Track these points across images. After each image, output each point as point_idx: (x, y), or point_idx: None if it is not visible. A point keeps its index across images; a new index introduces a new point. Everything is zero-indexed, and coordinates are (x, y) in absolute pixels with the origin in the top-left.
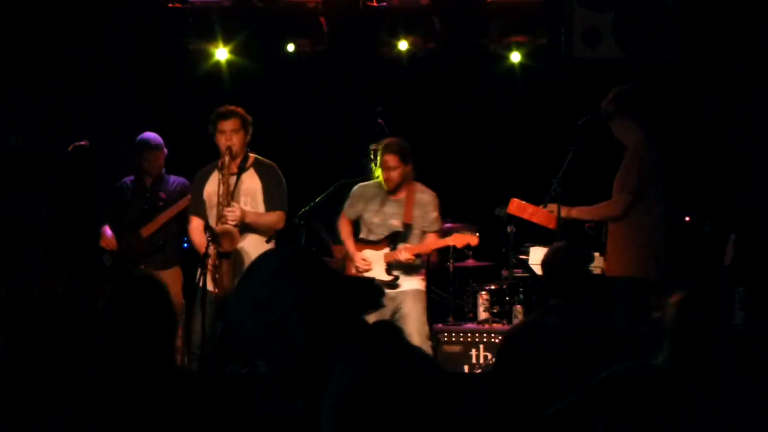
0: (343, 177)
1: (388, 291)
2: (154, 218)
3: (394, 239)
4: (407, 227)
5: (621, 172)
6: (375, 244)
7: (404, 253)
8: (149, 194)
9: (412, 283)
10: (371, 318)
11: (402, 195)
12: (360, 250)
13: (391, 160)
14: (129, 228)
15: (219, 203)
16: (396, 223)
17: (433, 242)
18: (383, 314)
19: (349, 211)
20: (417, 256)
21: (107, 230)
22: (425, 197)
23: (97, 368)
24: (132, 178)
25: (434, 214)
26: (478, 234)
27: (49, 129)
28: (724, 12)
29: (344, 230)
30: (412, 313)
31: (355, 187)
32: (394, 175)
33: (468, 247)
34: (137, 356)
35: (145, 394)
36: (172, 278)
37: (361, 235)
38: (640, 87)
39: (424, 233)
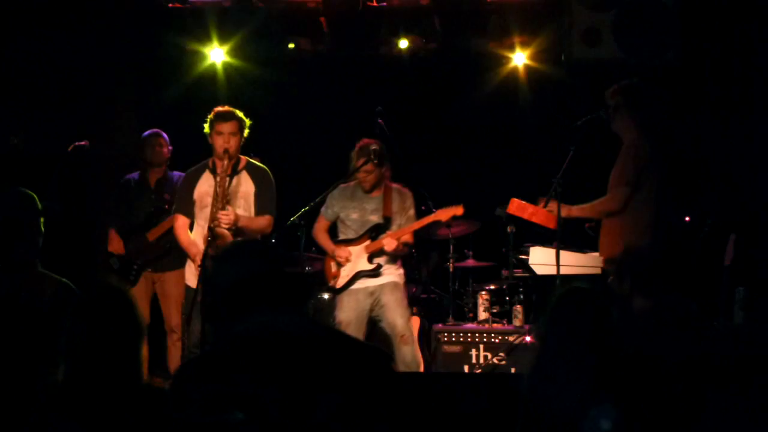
0: (343, 177)
1: (367, 285)
2: (160, 222)
3: (374, 231)
4: (387, 220)
5: (617, 166)
6: (354, 241)
7: (389, 239)
8: (154, 196)
9: (389, 277)
10: (350, 320)
11: (379, 193)
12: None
13: (369, 165)
14: (135, 230)
15: (214, 205)
16: (375, 218)
17: (417, 222)
18: (362, 309)
19: (327, 212)
20: (405, 245)
21: (114, 234)
22: (402, 194)
23: (66, 378)
24: (136, 175)
25: (411, 211)
26: (462, 205)
27: (49, 129)
28: (724, 12)
29: (320, 230)
30: (391, 300)
31: (334, 189)
32: (371, 177)
33: (468, 237)
34: (101, 367)
35: (109, 405)
36: (177, 279)
37: (340, 237)
38: (646, 86)
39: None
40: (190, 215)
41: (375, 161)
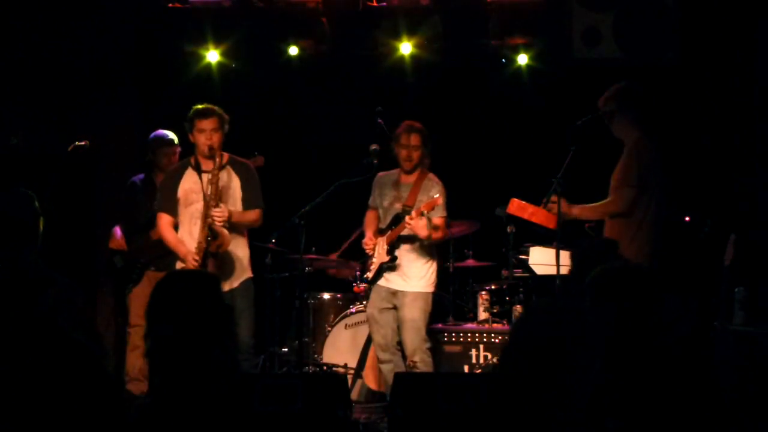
0: (343, 177)
1: (390, 285)
2: None
3: (395, 221)
4: (406, 209)
5: (620, 168)
6: (384, 231)
7: (390, 234)
8: None
9: (413, 284)
10: (374, 315)
11: (412, 180)
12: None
13: (415, 139)
14: (139, 229)
15: (207, 204)
16: (399, 206)
17: (400, 227)
18: (385, 306)
19: (371, 200)
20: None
21: (117, 231)
22: (432, 184)
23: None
24: (142, 176)
25: (442, 199)
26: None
27: (49, 129)
28: (725, 11)
29: (367, 220)
30: (407, 318)
31: (376, 177)
32: (416, 154)
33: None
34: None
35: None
36: None
37: (379, 226)
38: (638, 84)
39: (429, 221)
40: (174, 214)
41: (375, 162)
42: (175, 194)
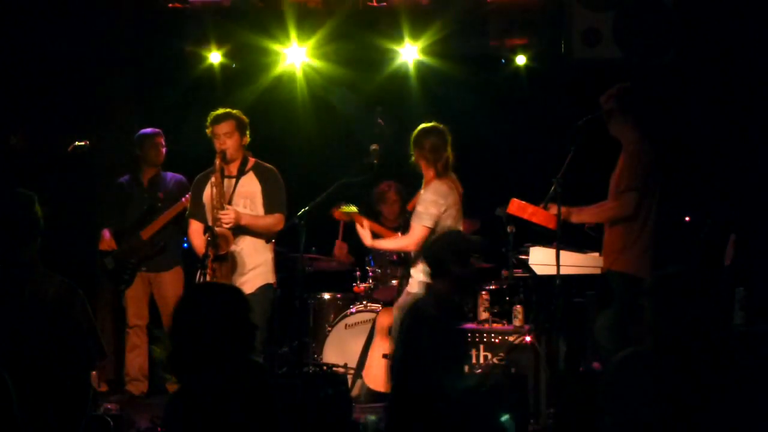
0: (343, 177)
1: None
2: (154, 220)
3: (404, 226)
4: (407, 214)
5: (621, 170)
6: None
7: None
8: (147, 194)
9: (413, 286)
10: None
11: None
12: None
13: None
14: (129, 230)
15: (213, 206)
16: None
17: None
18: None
19: None
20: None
21: (106, 233)
22: (426, 188)
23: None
24: (127, 177)
25: (419, 207)
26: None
27: (49, 129)
28: (724, 11)
29: None
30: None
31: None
32: (414, 159)
33: None
34: None
35: None
36: (173, 279)
37: None
38: (640, 87)
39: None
40: (203, 219)
41: (375, 162)
42: (201, 200)
